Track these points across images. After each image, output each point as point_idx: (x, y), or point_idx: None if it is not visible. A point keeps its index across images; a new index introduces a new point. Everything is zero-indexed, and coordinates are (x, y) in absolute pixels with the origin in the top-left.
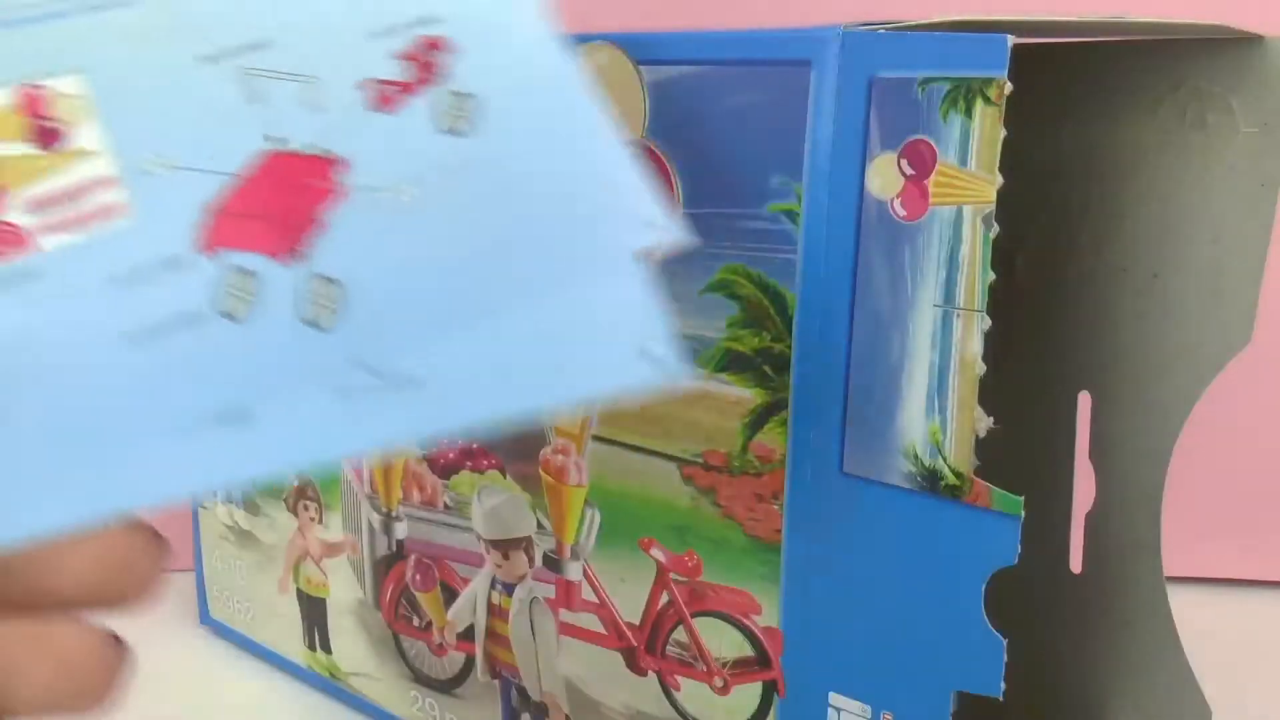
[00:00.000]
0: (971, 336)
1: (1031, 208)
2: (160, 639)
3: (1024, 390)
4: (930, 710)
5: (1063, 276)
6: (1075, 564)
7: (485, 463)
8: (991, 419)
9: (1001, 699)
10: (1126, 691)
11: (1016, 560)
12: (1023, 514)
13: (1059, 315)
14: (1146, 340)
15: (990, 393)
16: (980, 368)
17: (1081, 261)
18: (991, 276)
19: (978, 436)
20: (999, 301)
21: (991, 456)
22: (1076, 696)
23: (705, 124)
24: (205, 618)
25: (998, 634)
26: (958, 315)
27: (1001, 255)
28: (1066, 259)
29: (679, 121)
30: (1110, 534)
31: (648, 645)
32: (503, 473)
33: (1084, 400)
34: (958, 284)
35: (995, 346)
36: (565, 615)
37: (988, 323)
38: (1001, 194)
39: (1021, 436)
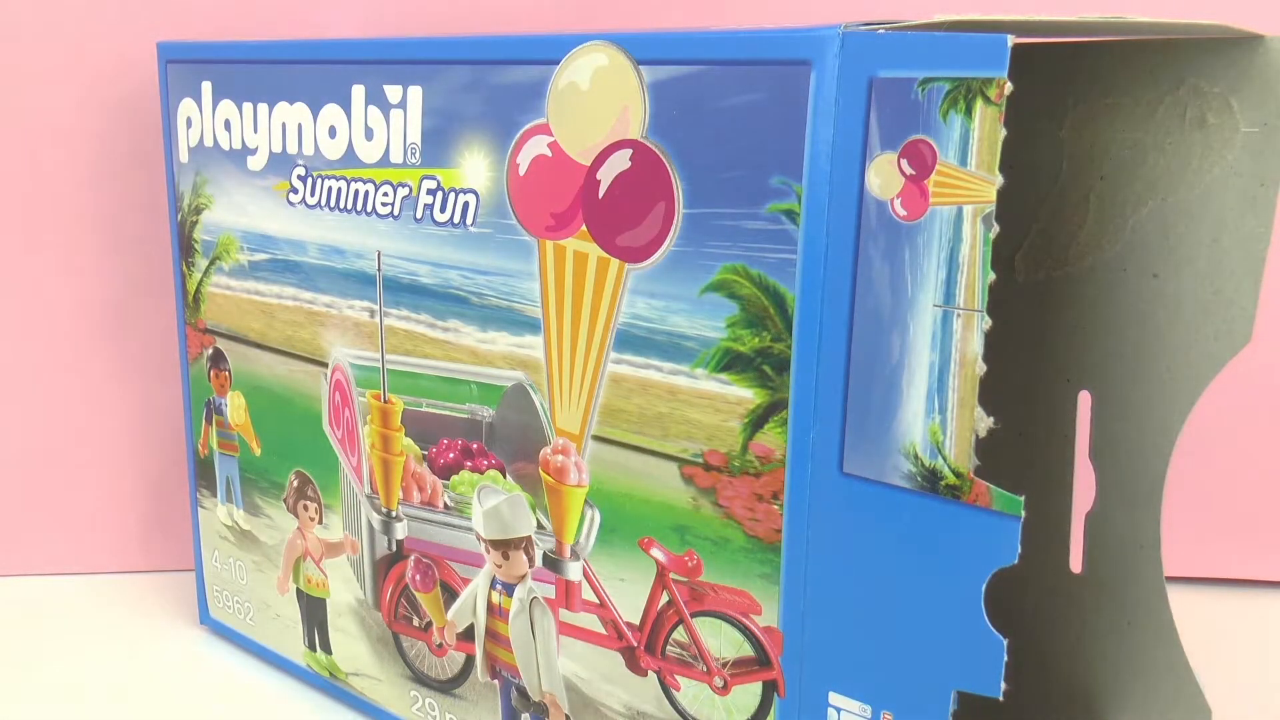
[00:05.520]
0: (971, 336)
1: (1031, 207)
2: (160, 639)
3: (1024, 390)
4: (930, 710)
5: (1063, 276)
6: (1075, 564)
7: (485, 463)
8: (992, 419)
9: (1001, 699)
10: (1126, 691)
11: (1017, 560)
12: (1023, 514)
13: (1059, 315)
14: (1146, 340)
15: (991, 392)
16: (980, 367)
17: (1081, 261)
18: (991, 276)
19: (978, 436)
20: (999, 301)
21: (991, 456)
22: (1077, 696)
23: (705, 124)
24: (205, 617)
25: (998, 634)
26: (958, 315)
27: (1001, 255)
28: (1066, 259)
29: (679, 121)
30: (1110, 534)
31: (648, 645)
32: (503, 473)
33: (1084, 400)
34: (958, 284)
35: (995, 346)
36: (565, 615)
37: (988, 322)
38: (1001, 194)
39: (1021, 436)
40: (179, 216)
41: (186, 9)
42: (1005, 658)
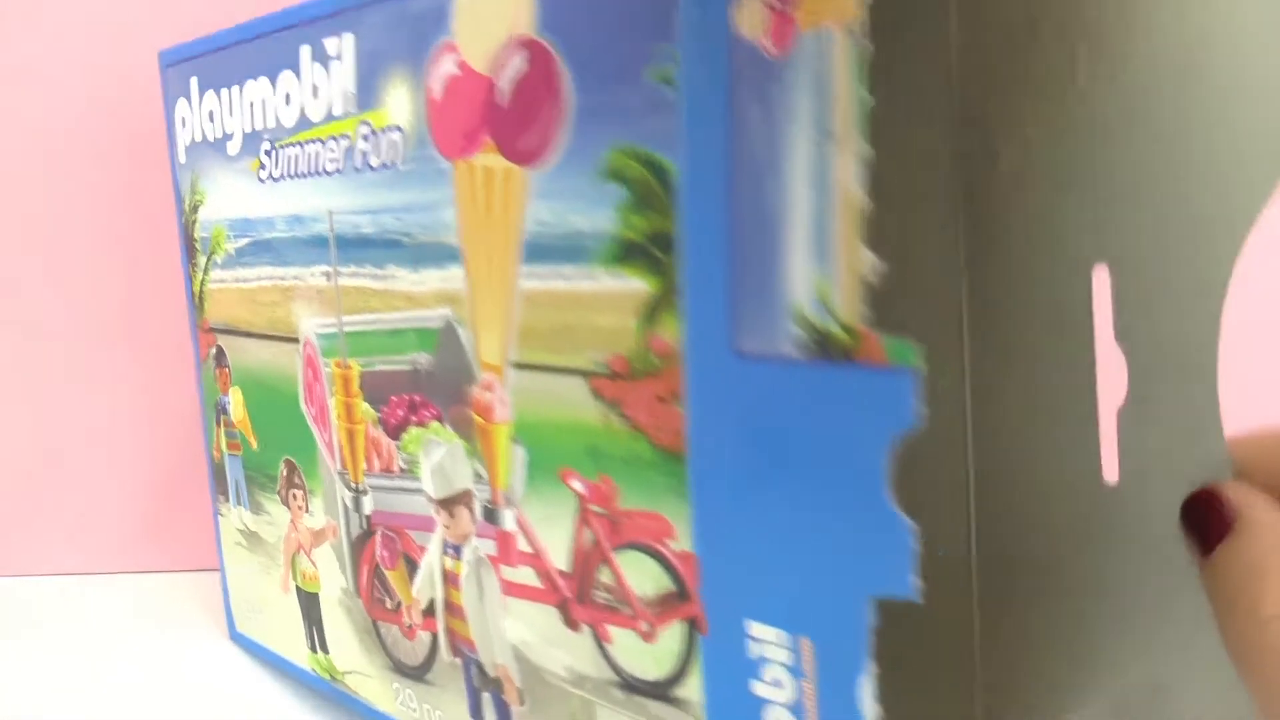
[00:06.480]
0: (850, 167)
1: (1006, 58)
2: (190, 656)
3: (1023, 277)
4: (849, 630)
5: (1053, 135)
6: (1110, 470)
7: (426, 414)
8: (879, 258)
9: (920, 601)
10: (1155, 625)
11: (916, 421)
12: (920, 363)
13: (1057, 181)
14: (1169, 183)
15: (988, 279)
16: (863, 202)
17: (1078, 110)
18: (867, 97)
19: (868, 284)
20: (981, 182)
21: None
22: (1095, 628)
23: (587, 7)
24: (234, 633)
25: (903, 516)
26: (833, 146)
27: (977, 148)
28: (1063, 107)
29: (564, 9)
30: (1152, 426)
31: (579, 594)
32: (441, 421)
33: (1100, 275)
34: (832, 110)
35: (979, 232)
36: (506, 572)
37: (868, 150)
38: (967, 48)
39: (1028, 329)
40: (183, 219)
41: (190, 13)
42: (913, 545)
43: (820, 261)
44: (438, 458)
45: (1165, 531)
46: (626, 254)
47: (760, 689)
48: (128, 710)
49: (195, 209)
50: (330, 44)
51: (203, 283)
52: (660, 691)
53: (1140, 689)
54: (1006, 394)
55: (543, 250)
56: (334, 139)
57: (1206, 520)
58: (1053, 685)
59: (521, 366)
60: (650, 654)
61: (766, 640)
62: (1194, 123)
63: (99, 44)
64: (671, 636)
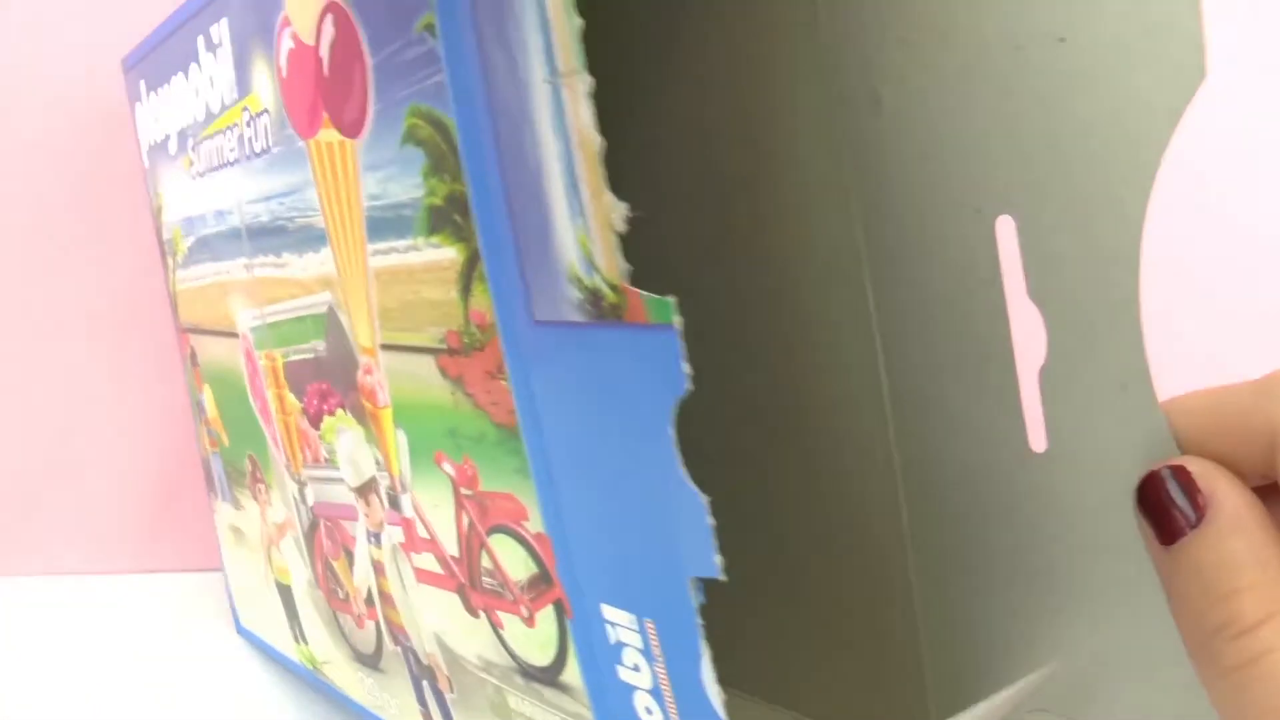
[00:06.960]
0: (580, 105)
1: (880, 13)
2: (193, 656)
3: (921, 238)
4: (682, 610)
5: (939, 84)
6: (1037, 439)
7: (334, 401)
8: (627, 205)
9: (724, 578)
10: (1102, 577)
11: (688, 386)
12: (677, 319)
13: (948, 134)
14: (1071, 125)
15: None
16: (597, 141)
17: (959, 57)
18: (579, 22)
19: (617, 232)
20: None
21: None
22: (1047, 589)
23: None
24: (239, 627)
25: (694, 488)
26: (564, 84)
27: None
28: (938, 64)
29: None
30: (1078, 382)
31: (470, 580)
32: (344, 409)
33: (1005, 227)
34: (554, 45)
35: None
36: (415, 559)
37: (589, 82)
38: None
39: (935, 297)
40: (155, 223)
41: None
42: (710, 520)
43: (577, 214)
44: (348, 446)
45: (1101, 500)
46: (436, 222)
47: (625, 674)
48: (130, 711)
49: (159, 212)
50: (214, 31)
51: (173, 285)
52: (550, 677)
53: (1082, 660)
54: (918, 355)
55: (378, 225)
56: (230, 128)
57: (1170, 505)
58: (992, 660)
59: (387, 348)
60: (534, 639)
61: (620, 624)
62: (1072, 83)
63: (110, 43)
64: (547, 621)
